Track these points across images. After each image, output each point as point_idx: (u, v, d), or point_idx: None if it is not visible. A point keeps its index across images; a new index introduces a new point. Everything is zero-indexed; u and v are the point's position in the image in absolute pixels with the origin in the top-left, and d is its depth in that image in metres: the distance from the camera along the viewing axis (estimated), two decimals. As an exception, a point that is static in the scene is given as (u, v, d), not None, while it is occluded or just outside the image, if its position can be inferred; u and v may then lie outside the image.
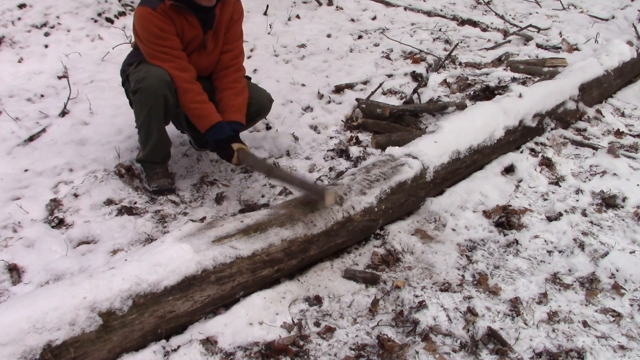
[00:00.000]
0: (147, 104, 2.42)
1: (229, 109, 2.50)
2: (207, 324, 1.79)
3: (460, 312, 1.93)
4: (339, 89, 3.90)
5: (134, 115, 2.58)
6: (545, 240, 2.33)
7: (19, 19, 4.41)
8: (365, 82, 4.04)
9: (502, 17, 5.67)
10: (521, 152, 2.99)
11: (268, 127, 3.33)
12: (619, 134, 3.30)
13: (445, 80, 4.02)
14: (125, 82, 2.62)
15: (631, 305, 1.99)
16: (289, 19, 5.48)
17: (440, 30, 5.36)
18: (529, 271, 2.16)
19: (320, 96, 3.78)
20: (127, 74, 2.56)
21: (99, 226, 2.36)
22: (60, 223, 2.39)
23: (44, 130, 3.14)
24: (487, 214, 2.49)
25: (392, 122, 3.34)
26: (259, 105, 2.71)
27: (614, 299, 2.02)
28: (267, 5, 5.45)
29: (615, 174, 2.81)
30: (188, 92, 2.41)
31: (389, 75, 4.16)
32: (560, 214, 2.48)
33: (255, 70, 4.13)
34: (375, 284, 2.06)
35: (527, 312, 1.94)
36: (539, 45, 4.85)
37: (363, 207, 2.19)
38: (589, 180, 2.79)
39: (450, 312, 1.93)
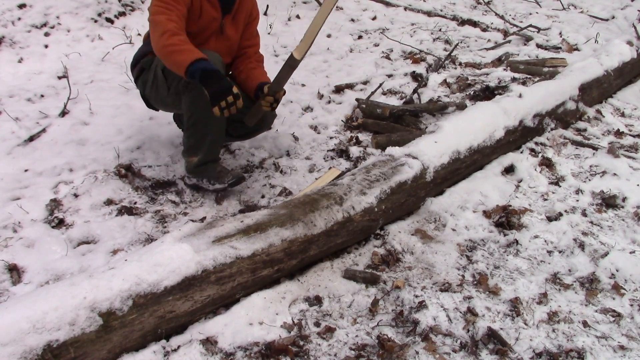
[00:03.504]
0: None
1: (258, 77, 2.53)
2: (207, 324, 1.79)
3: (460, 312, 1.93)
4: (339, 89, 3.90)
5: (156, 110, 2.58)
6: (545, 240, 2.33)
7: (19, 19, 4.40)
8: (365, 82, 4.04)
9: (502, 17, 5.67)
10: (521, 152, 2.99)
11: (268, 127, 3.33)
12: (619, 134, 3.30)
13: (445, 81, 4.02)
14: (139, 77, 2.57)
15: (631, 305, 1.99)
16: (289, 19, 5.48)
17: (440, 30, 5.36)
18: (529, 271, 2.16)
19: (320, 96, 3.78)
20: (141, 67, 2.51)
21: (99, 226, 2.36)
22: (60, 223, 2.39)
23: (44, 130, 3.14)
24: (487, 214, 2.49)
25: (392, 122, 3.34)
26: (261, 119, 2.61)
27: (614, 299, 2.03)
28: (267, 5, 5.45)
29: (615, 174, 2.81)
30: (178, 34, 2.20)
31: (389, 76, 4.16)
32: (560, 214, 2.48)
33: (255, 70, 4.13)
34: (375, 284, 2.06)
35: (527, 312, 1.94)
36: (539, 45, 4.85)
37: (363, 207, 2.19)
38: (589, 180, 2.79)
39: (450, 312, 1.93)
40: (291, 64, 2.21)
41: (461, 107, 3.45)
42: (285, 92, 2.46)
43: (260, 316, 1.84)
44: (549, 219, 2.47)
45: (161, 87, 2.49)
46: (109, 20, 4.84)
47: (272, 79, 2.42)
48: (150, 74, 2.52)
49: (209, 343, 1.74)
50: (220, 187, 2.58)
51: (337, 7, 5.93)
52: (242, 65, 2.65)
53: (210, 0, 2.39)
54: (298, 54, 2.15)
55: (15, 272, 2.09)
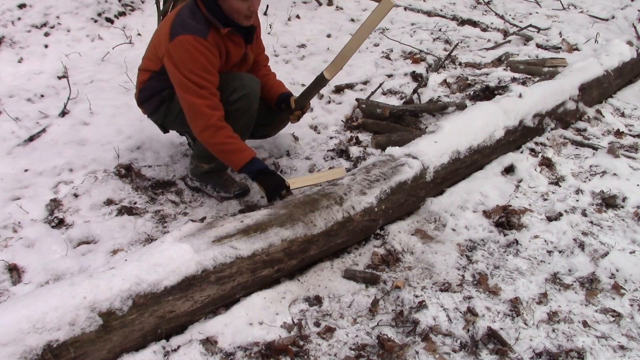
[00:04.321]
0: (250, 108, 2.37)
1: (276, 86, 2.60)
2: (207, 324, 1.79)
3: (460, 312, 1.93)
4: (339, 89, 3.90)
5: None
6: (545, 240, 2.33)
7: (19, 19, 4.41)
8: (365, 82, 4.04)
9: (502, 17, 5.67)
10: (521, 152, 2.99)
11: (268, 127, 3.33)
12: (619, 134, 3.30)
13: (445, 80, 4.02)
14: (158, 108, 2.51)
15: (631, 305, 1.99)
16: (289, 19, 5.48)
17: (440, 30, 5.36)
18: (529, 271, 2.16)
19: (320, 96, 3.78)
20: (161, 99, 2.46)
21: (99, 226, 2.36)
22: (60, 223, 2.39)
23: (44, 130, 3.15)
24: (487, 214, 2.49)
25: (392, 122, 3.34)
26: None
27: (614, 299, 2.03)
28: (267, 5, 5.45)
29: (615, 174, 2.81)
30: (223, 128, 2.25)
31: (389, 75, 4.16)
32: (560, 214, 2.48)
33: (255, 70, 4.13)
34: (375, 284, 2.06)
35: (527, 312, 1.94)
36: (539, 45, 4.84)
37: (363, 207, 2.19)
38: (589, 180, 2.79)
39: (450, 312, 1.93)
40: (320, 82, 2.29)
41: (461, 107, 3.45)
42: (310, 105, 2.56)
43: (260, 316, 1.84)
44: (549, 219, 2.47)
45: None
46: (109, 20, 4.84)
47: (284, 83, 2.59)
48: (175, 105, 2.43)
49: (209, 343, 1.74)
50: (225, 196, 2.61)
51: (337, 7, 5.94)
52: (254, 72, 2.65)
53: (236, 41, 2.35)
54: (329, 74, 2.21)
55: (15, 272, 2.09)
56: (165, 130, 2.70)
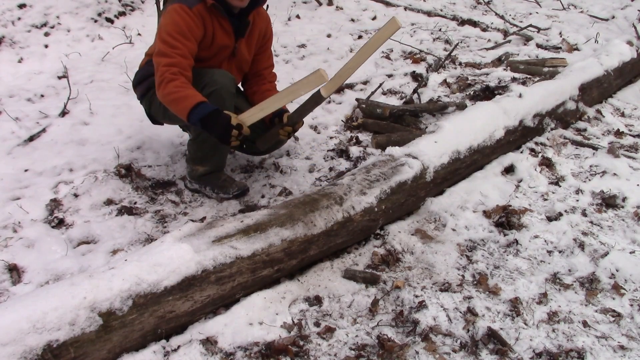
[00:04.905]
0: (223, 105, 2.26)
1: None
2: (207, 324, 1.79)
3: (460, 312, 1.93)
4: (339, 89, 3.90)
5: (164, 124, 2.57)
6: (545, 240, 2.33)
7: (19, 19, 4.41)
8: (365, 82, 4.04)
9: (502, 17, 5.67)
10: (521, 152, 2.99)
11: (268, 127, 3.33)
12: (619, 134, 3.30)
13: (445, 80, 4.02)
14: (145, 95, 2.53)
15: (631, 305, 1.99)
16: (289, 19, 5.49)
17: (440, 30, 5.37)
18: (529, 271, 2.16)
19: (320, 96, 3.78)
20: (147, 86, 2.47)
21: (99, 226, 2.36)
22: (60, 223, 2.39)
23: (44, 130, 3.15)
24: (487, 214, 2.49)
25: (392, 122, 3.34)
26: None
27: (614, 299, 2.02)
28: (267, 5, 5.44)
29: (615, 174, 2.81)
30: (174, 80, 2.18)
31: (389, 75, 4.16)
32: (560, 214, 2.48)
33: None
34: (375, 284, 2.06)
35: (527, 312, 1.94)
36: (539, 45, 4.85)
37: (363, 207, 2.19)
38: (589, 180, 2.79)
39: (450, 312, 1.93)
40: (317, 100, 2.23)
41: (461, 107, 3.45)
42: (303, 123, 2.49)
43: (260, 316, 1.84)
44: (549, 219, 2.47)
45: None
46: (109, 20, 4.84)
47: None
48: None
49: (209, 343, 1.74)
50: (224, 197, 2.60)
51: (337, 7, 5.94)
52: (256, 86, 2.65)
53: (224, 26, 2.35)
54: (326, 92, 2.17)
55: (15, 272, 2.09)
56: (152, 120, 2.68)
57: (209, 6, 2.28)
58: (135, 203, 2.56)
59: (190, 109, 2.14)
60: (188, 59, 2.25)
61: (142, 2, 5.27)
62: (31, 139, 3.06)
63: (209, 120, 2.14)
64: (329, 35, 5.15)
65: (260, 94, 2.62)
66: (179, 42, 2.22)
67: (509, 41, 4.99)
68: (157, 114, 2.59)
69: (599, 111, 3.54)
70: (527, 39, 4.99)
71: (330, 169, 2.90)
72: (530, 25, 5.27)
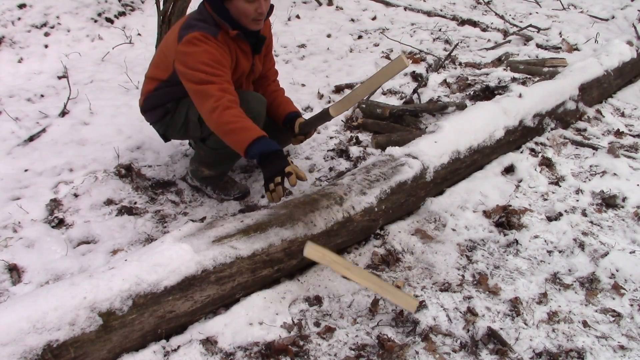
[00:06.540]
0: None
1: (284, 104, 2.57)
2: (207, 324, 1.79)
3: (460, 312, 1.93)
4: (339, 89, 3.90)
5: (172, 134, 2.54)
6: (545, 240, 2.33)
7: (19, 19, 4.41)
8: (365, 82, 4.04)
9: (502, 17, 5.67)
10: (521, 152, 2.98)
11: (268, 127, 3.33)
12: (619, 134, 3.30)
13: (445, 80, 4.02)
14: (161, 119, 2.48)
15: (631, 305, 1.99)
16: (289, 19, 5.49)
17: (440, 30, 5.36)
18: (529, 271, 2.16)
19: (320, 96, 3.78)
20: (165, 110, 2.44)
21: (99, 226, 2.36)
22: (60, 223, 2.39)
23: (44, 130, 3.15)
24: (487, 214, 2.49)
25: (392, 122, 3.34)
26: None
27: (614, 299, 2.02)
28: (267, 5, 5.44)
29: (615, 174, 2.80)
30: (231, 108, 2.12)
31: (389, 75, 4.16)
32: (560, 214, 2.48)
33: (255, 70, 4.13)
34: (375, 284, 2.06)
35: (527, 312, 1.94)
36: (539, 45, 4.85)
37: (363, 207, 2.19)
38: (589, 180, 2.79)
39: (450, 312, 1.93)
40: (325, 117, 2.31)
41: (461, 107, 3.45)
42: (315, 131, 2.59)
43: (260, 316, 1.85)
44: (549, 219, 2.47)
45: (193, 129, 2.43)
46: (109, 20, 4.84)
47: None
48: (178, 118, 2.44)
49: (209, 343, 1.74)
50: (225, 198, 2.60)
51: (337, 7, 5.94)
52: (262, 88, 2.63)
53: (243, 49, 2.33)
54: (334, 112, 2.23)
55: (15, 272, 2.09)
56: (166, 139, 2.65)
57: (232, 36, 2.24)
58: (135, 203, 2.56)
59: (251, 142, 2.06)
60: (232, 86, 2.20)
61: (142, 2, 5.27)
62: (31, 139, 3.06)
63: (268, 158, 2.07)
64: (329, 35, 5.15)
65: (268, 95, 2.60)
66: (220, 70, 2.16)
67: (509, 41, 4.99)
68: (172, 136, 2.59)
69: (599, 111, 3.54)
70: (527, 39, 4.99)
71: (330, 169, 2.90)
72: (530, 25, 5.26)
